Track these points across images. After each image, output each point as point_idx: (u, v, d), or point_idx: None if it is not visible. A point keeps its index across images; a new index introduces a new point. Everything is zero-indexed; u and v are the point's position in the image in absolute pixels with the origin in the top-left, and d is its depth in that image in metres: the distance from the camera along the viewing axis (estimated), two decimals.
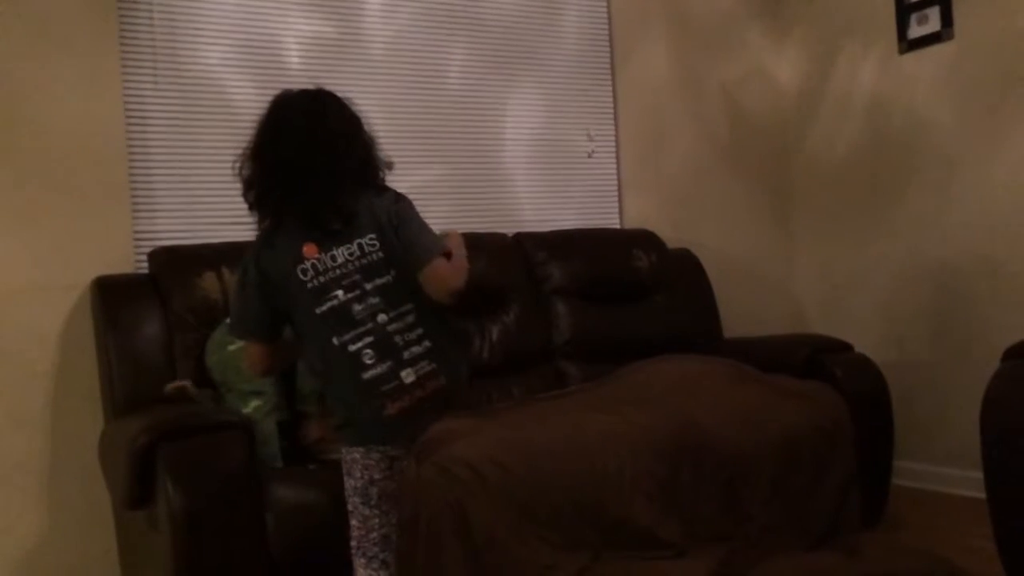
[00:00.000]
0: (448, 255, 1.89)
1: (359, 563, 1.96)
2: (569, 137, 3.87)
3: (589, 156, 3.91)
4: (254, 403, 2.51)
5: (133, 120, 3.01)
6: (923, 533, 3.00)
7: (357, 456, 1.92)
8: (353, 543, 1.98)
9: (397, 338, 1.83)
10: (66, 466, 2.80)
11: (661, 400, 2.87)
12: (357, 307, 1.83)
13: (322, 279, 1.85)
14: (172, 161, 3.07)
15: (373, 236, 1.86)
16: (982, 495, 2.48)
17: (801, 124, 4.23)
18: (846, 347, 3.30)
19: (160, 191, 3.05)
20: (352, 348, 1.83)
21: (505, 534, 2.36)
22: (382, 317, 1.83)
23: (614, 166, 3.97)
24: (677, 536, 2.59)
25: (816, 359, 3.19)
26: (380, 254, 1.85)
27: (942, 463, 3.58)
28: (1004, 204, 3.40)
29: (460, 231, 2.08)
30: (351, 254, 1.85)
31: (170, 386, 2.55)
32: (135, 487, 2.16)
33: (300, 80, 3.25)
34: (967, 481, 3.32)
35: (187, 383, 2.57)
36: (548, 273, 3.45)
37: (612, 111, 3.96)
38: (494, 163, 3.66)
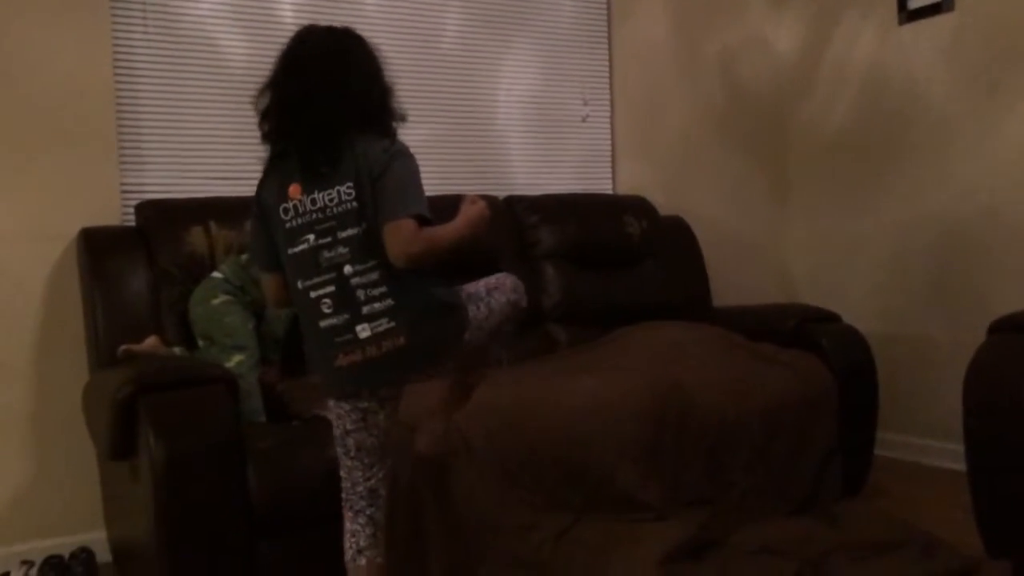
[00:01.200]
0: (420, 219, 1.80)
1: (347, 516, 1.97)
2: (564, 101, 3.84)
3: (583, 120, 3.88)
4: (237, 358, 2.50)
5: (122, 72, 2.97)
6: (903, 503, 3.02)
7: (331, 405, 1.92)
8: (343, 495, 1.99)
9: (360, 292, 1.79)
10: (50, 417, 2.80)
11: (647, 366, 2.88)
12: (326, 254, 1.81)
13: (299, 221, 1.83)
14: (161, 114, 3.04)
15: (351, 184, 1.81)
16: (963, 468, 2.49)
17: (797, 94, 4.20)
18: (834, 318, 3.30)
19: (148, 144, 3.02)
20: (313, 295, 1.82)
21: (485, 496, 2.38)
22: (348, 268, 1.80)
23: (608, 131, 3.94)
24: (658, 500, 2.62)
25: (803, 329, 3.20)
26: (354, 204, 1.81)
27: (925, 435, 3.60)
28: (998, 179, 3.39)
29: (476, 198, 1.97)
30: (330, 199, 1.82)
31: (122, 349, 2.53)
32: (117, 438, 2.17)
33: (292, 33, 3.22)
34: (949, 453, 3.33)
35: (150, 343, 2.55)
36: (539, 237, 3.44)
37: (608, 75, 3.93)
38: (487, 125, 3.63)
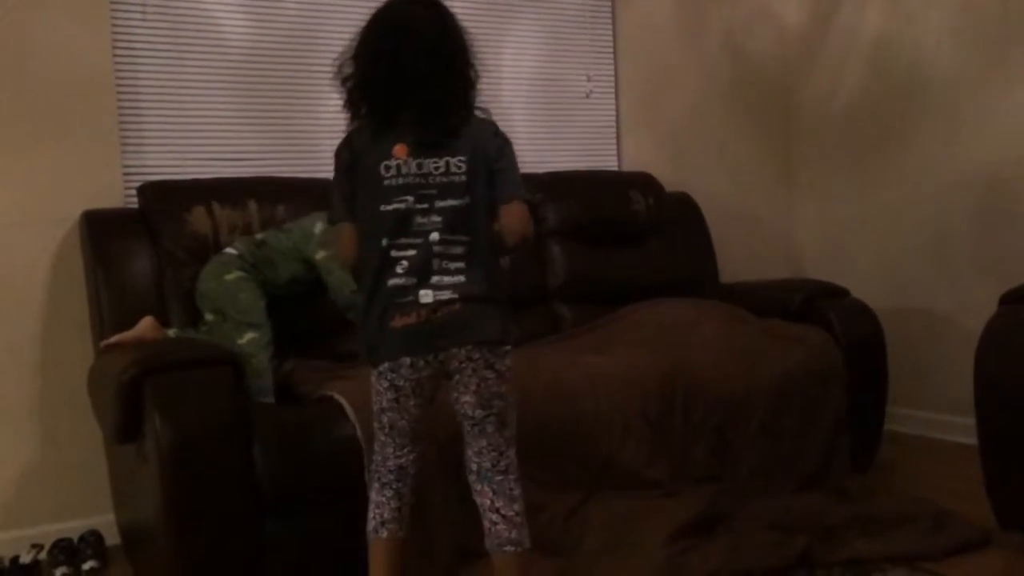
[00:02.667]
0: (529, 204, 1.92)
1: (373, 488, 1.97)
2: (567, 76, 3.80)
3: (587, 96, 3.84)
4: (249, 335, 2.49)
5: (121, 53, 2.94)
6: (913, 478, 3.01)
7: (372, 380, 1.92)
8: (372, 467, 1.99)
9: (436, 261, 1.82)
10: (57, 401, 2.80)
11: (654, 343, 2.87)
12: (419, 219, 1.83)
13: (399, 180, 1.85)
14: (162, 95, 3.01)
15: (463, 159, 1.85)
16: (974, 442, 2.48)
17: (805, 67, 4.15)
18: (843, 292, 3.28)
19: (150, 126, 3.00)
20: (394, 253, 1.83)
21: None
22: (435, 236, 1.83)
23: (613, 107, 3.90)
24: (667, 477, 2.61)
25: (812, 304, 3.18)
26: (463, 177, 1.85)
27: (935, 410, 3.58)
28: (1008, 150, 3.35)
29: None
30: (436, 167, 1.85)
31: (102, 344, 2.51)
32: (123, 421, 2.16)
33: (293, 13, 3.20)
34: (959, 427, 3.32)
35: (144, 325, 2.52)
36: (544, 215, 3.42)
37: (612, 50, 3.89)
38: (490, 102, 3.51)
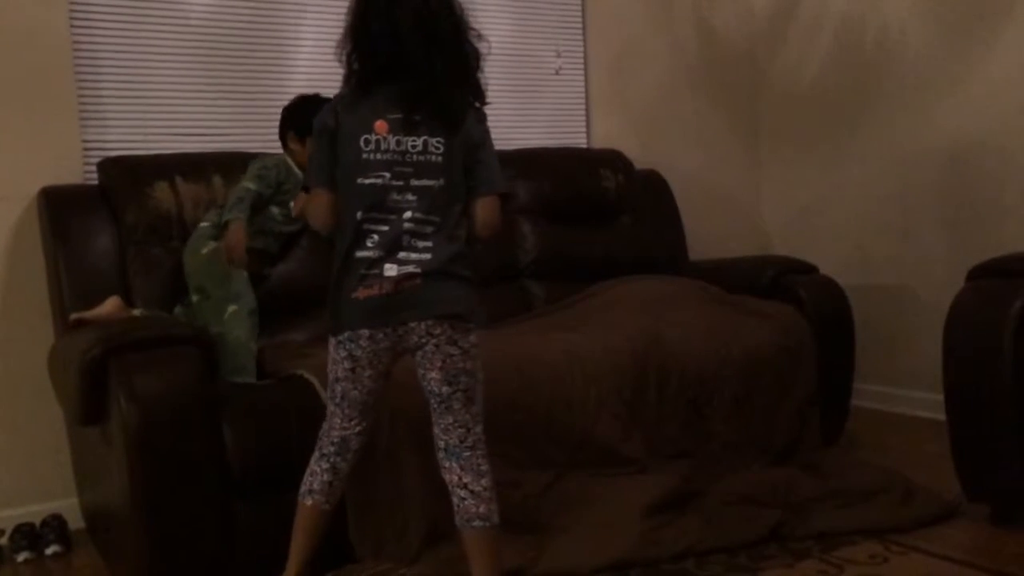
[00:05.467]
0: (504, 199, 1.97)
1: (314, 455, 1.98)
2: (536, 52, 3.76)
3: (556, 73, 3.81)
4: (231, 308, 2.44)
5: (79, 25, 2.85)
6: (880, 452, 3.05)
7: (331, 348, 1.93)
8: (320, 433, 1.99)
9: (406, 238, 1.84)
10: (16, 384, 2.72)
11: (626, 320, 2.86)
12: (394, 196, 1.84)
13: (378, 156, 1.85)
14: (122, 68, 2.93)
15: (441, 140, 1.85)
16: (940, 416, 2.51)
17: (772, 44, 4.15)
18: (811, 269, 3.30)
19: (109, 99, 2.91)
20: (367, 227, 1.84)
21: None
22: (408, 215, 1.84)
23: (582, 84, 3.87)
24: (640, 453, 2.61)
25: (781, 280, 3.20)
26: (439, 159, 1.85)
27: (902, 385, 3.62)
28: (974, 127, 3.38)
29: None
30: (414, 146, 1.85)
31: (73, 317, 2.44)
32: (87, 402, 2.10)
33: None
34: (926, 403, 3.36)
35: (110, 304, 2.45)
36: (514, 192, 3.38)
37: (581, 26, 3.85)
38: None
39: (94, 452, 2.33)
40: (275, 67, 3.13)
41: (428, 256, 1.84)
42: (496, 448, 2.41)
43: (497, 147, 3.67)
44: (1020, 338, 2.31)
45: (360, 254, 1.84)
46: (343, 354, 1.88)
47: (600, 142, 3.85)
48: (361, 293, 1.83)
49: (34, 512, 2.68)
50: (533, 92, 3.76)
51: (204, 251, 2.52)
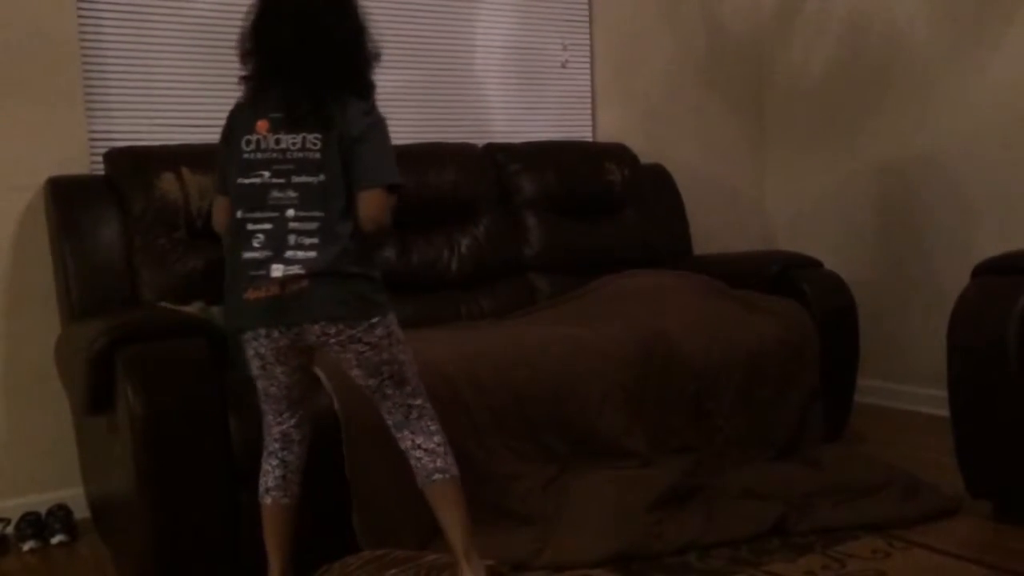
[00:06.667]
0: (392, 188, 1.91)
1: (263, 454, 2.02)
2: (543, 46, 3.75)
3: (563, 66, 3.81)
4: None
5: (86, 16, 2.85)
6: (883, 448, 3.05)
7: (244, 347, 1.95)
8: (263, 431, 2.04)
9: (292, 236, 1.84)
10: (23, 373, 2.73)
11: (631, 314, 2.87)
12: (275, 193, 1.86)
13: (258, 155, 1.88)
14: (129, 59, 2.92)
15: (319, 136, 1.87)
16: (944, 412, 2.51)
17: (779, 39, 4.14)
18: (816, 264, 3.30)
19: (116, 90, 2.91)
20: (250, 227, 1.86)
21: (472, 445, 2.36)
22: (291, 212, 1.85)
23: (588, 77, 3.87)
24: (644, 447, 2.62)
25: (785, 275, 3.19)
26: (317, 155, 1.86)
27: (906, 381, 3.62)
28: (978, 124, 3.37)
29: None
30: (293, 143, 1.87)
31: (166, 306, 2.45)
32: (94, 392, 2.12)
33: None
34: (930, 399, 3.36)
35: (197, 306, 2.47)
36: (519, 185, 3.39)
37: (587, 20, 3.84)
38: (465, 71, 3.54)
39: (100, 442, 2.34)
40: None
41: (314, 255, 1.84)
42: (500, 440, 2.44)
43: (502, 139, 3.71)
44: None
45: (247, 255, 1.86)
46: (251, 353, 1.91)
47: (605, 136, 3.84)
48: (251, 295, 1.85)
49: (40, 501, 2.69)
50: (539, 85, 3.75)
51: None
